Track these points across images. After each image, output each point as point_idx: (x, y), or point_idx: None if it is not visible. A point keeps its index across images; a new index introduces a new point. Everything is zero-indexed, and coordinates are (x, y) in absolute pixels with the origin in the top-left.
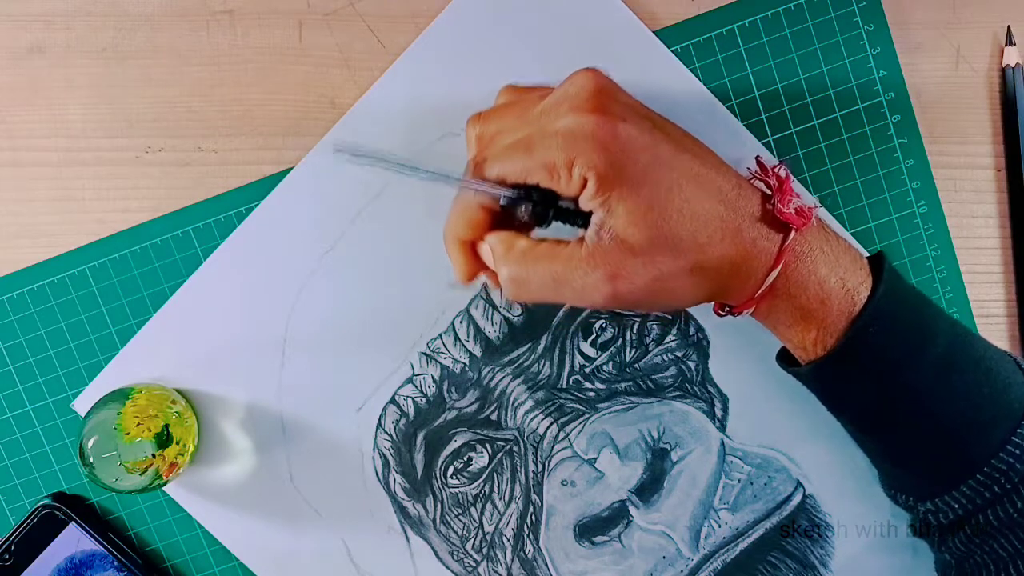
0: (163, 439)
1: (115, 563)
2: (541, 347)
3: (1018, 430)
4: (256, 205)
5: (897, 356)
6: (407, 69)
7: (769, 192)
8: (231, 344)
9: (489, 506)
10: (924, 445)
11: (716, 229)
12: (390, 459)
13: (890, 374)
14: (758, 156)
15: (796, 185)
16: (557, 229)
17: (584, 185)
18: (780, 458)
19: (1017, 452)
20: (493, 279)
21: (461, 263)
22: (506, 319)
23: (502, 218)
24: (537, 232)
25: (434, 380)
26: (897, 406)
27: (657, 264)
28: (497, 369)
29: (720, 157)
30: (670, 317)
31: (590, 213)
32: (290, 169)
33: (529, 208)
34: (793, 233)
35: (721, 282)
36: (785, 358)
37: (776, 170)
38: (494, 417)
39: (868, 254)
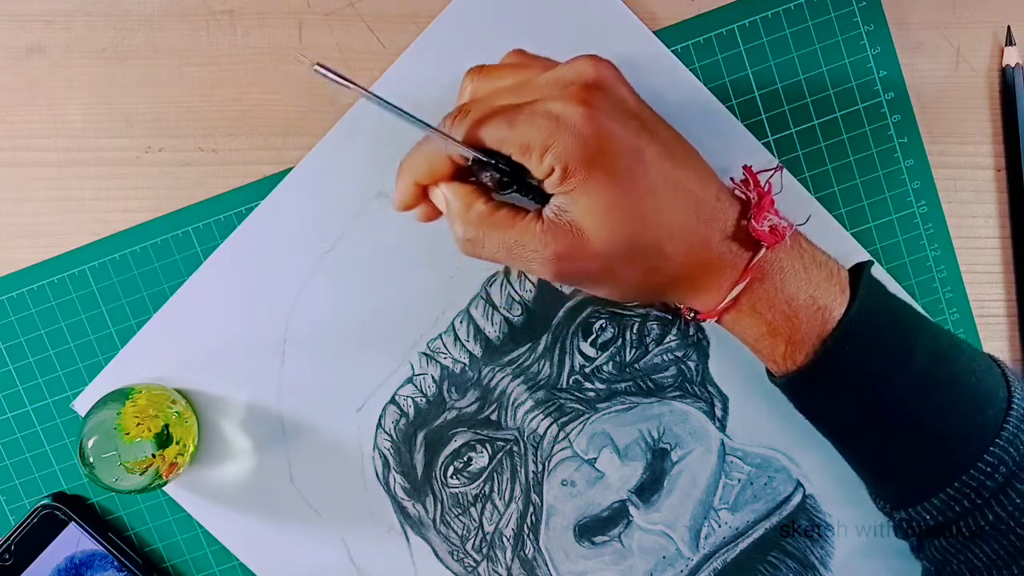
0: (163, 439)
1: (115, 563)
2: (541, 347)
3: (991, 447)
4: (256, 205)
5: (871, 372)
6: (407, 69)
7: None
8: (231, 344)
9: (489, 506)
10: (898, 458)
11: (682, 240)
12: (390, 459)
13: (863, 390)
14: (747, 166)
15: (796, 188)
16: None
17: (552, 172)
18: (780, 458)
19: (989, 469)
20: (427, 213)
21: (406, 197)
22: (506, 319)
23: (463, 171)
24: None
25: (434, 380)
26: (870, 421)
27: (608, 259)
28: (497, 369)
29: (707, 164)
30: (669, 317)
31: (551, 194)
32: (290, 169)
33: (495, 176)
34: (763, 251)
35: (676, 287)
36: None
37: (761, 183)
38: (494, 417)
39: (868, 255)
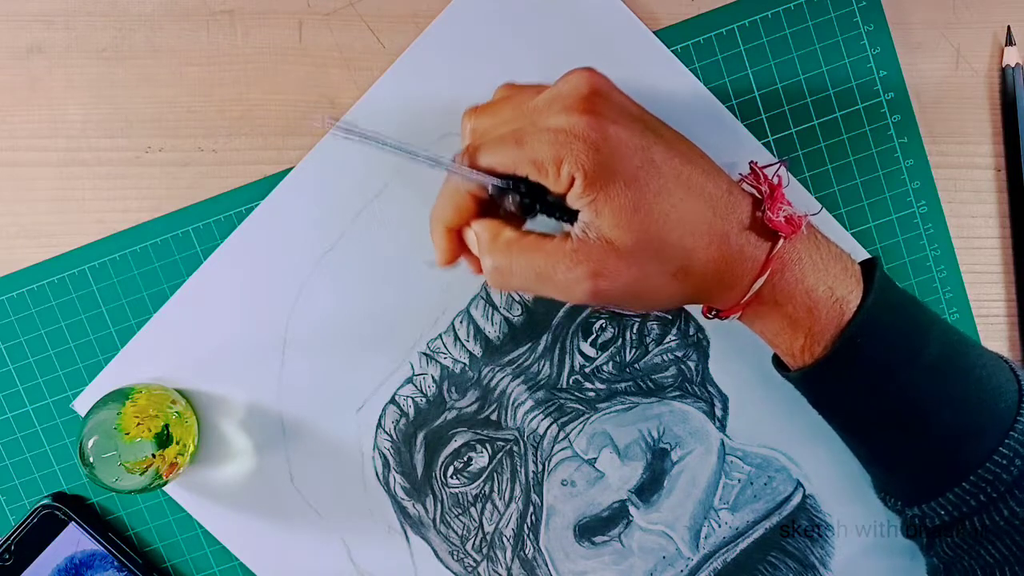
0: (163, 439)
1: (115, 563)
2: (541, 347)
3: (1006, 440)
4: (256, 205)
5: (886, 365)
6: (407, 69)
7: (760, 198)
8: (231, 344)
9: (489, 506)
10: (912, 452)
11: (703, 234)
12: (390, 459)
13: (879, 382)
14: (752, 161)
15: (796, 188)
16: (543, 223)
17: (572, 183)
18: (780, 458)
19: (1004, 462)
20: (474, 265)
21: (443, 247)
22: (506, 319)
23: (489, 207)
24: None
25: (434, 380)
26: (886, 414)
27: (641, 266)
28: (497, 369)
29: (713, 161)
30: (670, 317)
31: (577, 210)
32: (290, 169)
33: (516, 199)
34: (781, 241)
35: (705, 286)
36: (779, 362)
37: (770, 175)
38: (494, 417)
39: (868, 255)
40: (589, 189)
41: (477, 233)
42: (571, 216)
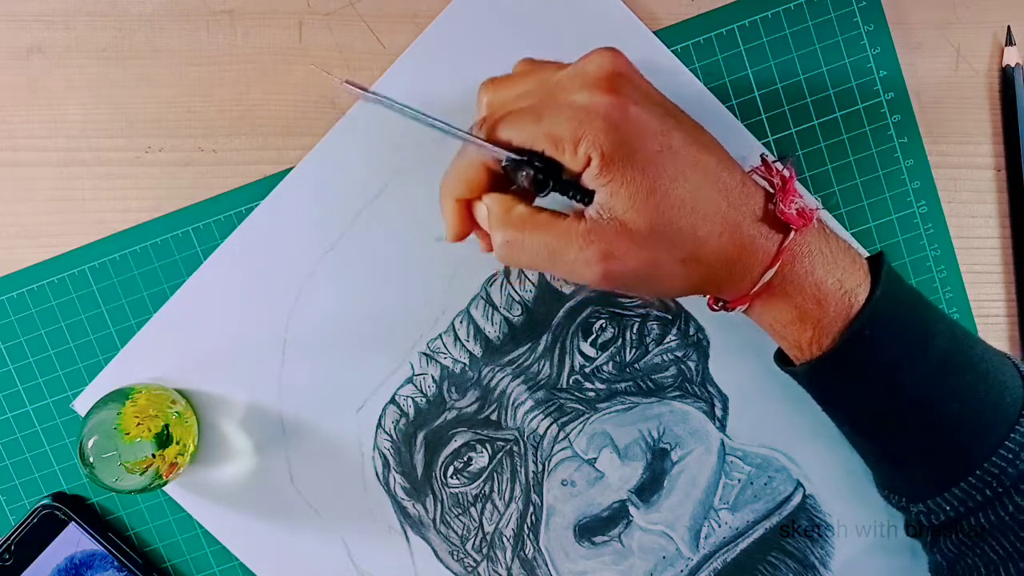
0: (163, 439)
1: (115, 563)
2: (541, 347)
3: (1012, 434)
4: (256, 205)
5: (893, 358)
6: (407, 69)
7: (772, 191)
8: (231, 344)
9: (489, 506)
10: (918, 447)
11: (716, 223)
12: (390, 459)
13: (885, 376)
14: (763, 154)
15: (799, 185)
16: (554, 201)
17: (588, 163)
18: (780, 458)
19: (1010, 456)
20: (484, 241)
21: (453, 221)
22: (506, 319)
23: (501, 181)
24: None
25: (434, 380)
26: (892, 408)
27: (652, 250)
28: (497, 369)
29: (728, 152)
30: (669, 317)
31: (591, 190)
32: (290, 169)
33: (530, 174)
34: (792, 234)
35: (714, 276)
36: (782, 357)
37: (780, 170)
38: (494, 417)
39: (869, 254)
40: (606, 170)
41: (489, 207)
42: (585, 195)
